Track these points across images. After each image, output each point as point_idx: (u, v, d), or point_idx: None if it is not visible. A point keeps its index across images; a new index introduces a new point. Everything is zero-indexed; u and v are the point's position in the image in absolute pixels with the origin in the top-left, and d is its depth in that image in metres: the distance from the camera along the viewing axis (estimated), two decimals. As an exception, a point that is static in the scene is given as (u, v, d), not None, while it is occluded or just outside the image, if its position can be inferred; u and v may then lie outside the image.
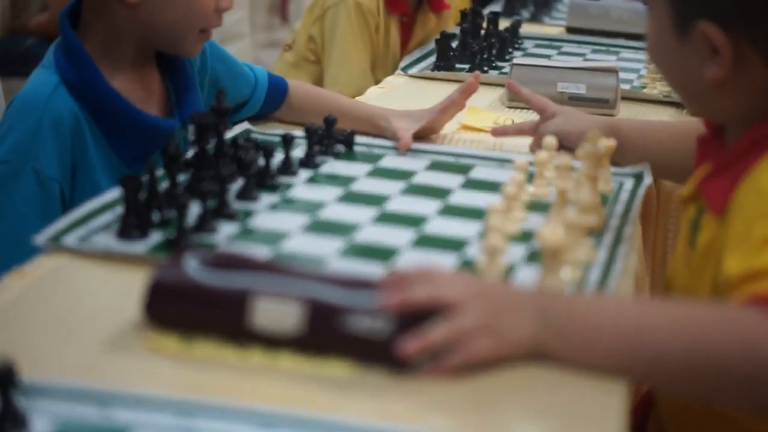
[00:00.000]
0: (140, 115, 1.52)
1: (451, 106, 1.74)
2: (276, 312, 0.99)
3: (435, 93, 2.02)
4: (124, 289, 1.13)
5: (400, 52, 2.66)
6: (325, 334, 0.98)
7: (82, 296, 1.12)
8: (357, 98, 1.98)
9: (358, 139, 1.67)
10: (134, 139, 1.51)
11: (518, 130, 1.72)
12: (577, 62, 2.22)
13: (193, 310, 1.02)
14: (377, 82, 2.43)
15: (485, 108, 2.01)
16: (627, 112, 2.03)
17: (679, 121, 1.66)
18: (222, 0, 1.57)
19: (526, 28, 2.75)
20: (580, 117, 1.65)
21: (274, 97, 1.81)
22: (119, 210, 1.27)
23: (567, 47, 2.59)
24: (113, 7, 1.51)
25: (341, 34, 2.57)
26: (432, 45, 2.40)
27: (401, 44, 2.67)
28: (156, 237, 1.25)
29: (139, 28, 1.53)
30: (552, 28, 2.91)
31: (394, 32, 2.64)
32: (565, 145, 1.54)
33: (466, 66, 2.30)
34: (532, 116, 1.88)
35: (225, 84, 1.70)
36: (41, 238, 1.21)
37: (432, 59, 2.35)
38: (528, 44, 2.59)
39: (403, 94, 2.09)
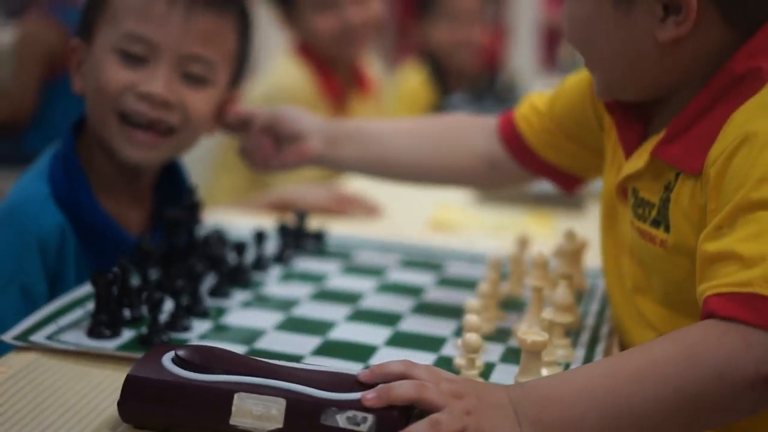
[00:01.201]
0: (121, 235, 1.42)
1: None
2: (258, 408, 0.97)
3: (404, 191, 2.02)
4: (96, 386, 1.10)
5: None
6: (307, 429, 0.96)
7: (51, 395, 1.08)
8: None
9: (330, 234, 1.66)
10: (111, 256, 1.38)
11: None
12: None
13: (172, 407, 0.99)
14: None
15: (457, 204, 2.01)
16: (597, 211, 2.03)
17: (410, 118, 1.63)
18: (143, 84, 1.38)
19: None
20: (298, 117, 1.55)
21: None
22: (90, 306, 1.24)
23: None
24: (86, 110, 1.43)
25: None
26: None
27: None
28: (127, 334, 1.22)
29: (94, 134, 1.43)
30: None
31: (327, 116, 2.70)
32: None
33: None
34: (506, 215, 1.89)
35: None
36: (9, 335, 1.19)
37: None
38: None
39: (372, 193, 2.08)
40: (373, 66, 3.14)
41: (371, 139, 1.52)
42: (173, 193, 1.53)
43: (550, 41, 5.40)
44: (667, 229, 1.14)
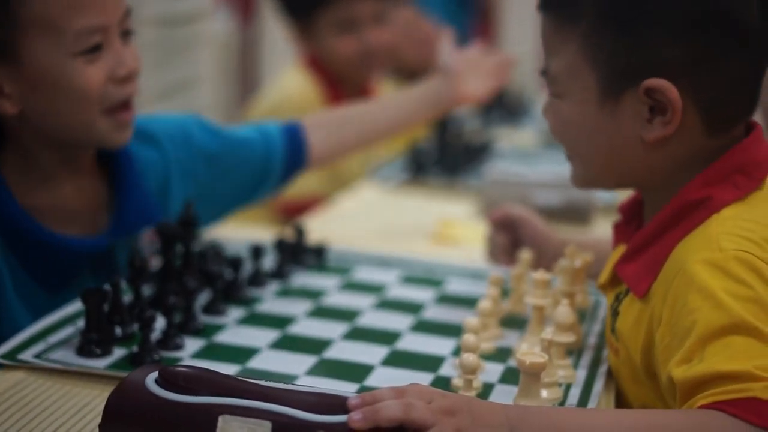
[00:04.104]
0: (54, 238, 1.33)
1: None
2: (242, 431, 0.94)
3: (408, 204, 2.00)
4: (84, 406, 1.08)
5: None
6: None
7: (38, 416, 1.06)
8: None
9: (330, 249, 1.63)
10: (53, 263, 1.33)
11: None
12: (552, 174, 2.20)
13: (153, 430, 0.96)
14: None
15: (460, 218, 1.99)
16: (603, 225, 2.00)
17: None
18: (118, 67, 1.32)
19: (501, 134, 2.77)
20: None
21: (295, 145, 1.65)
22: (80, 323, 1.22)
23: (542, 158, 2.59)
24: (10, 122, 1.33)
25: None
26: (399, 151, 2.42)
27: None
28: (118, 353, 1.20)
29: (39, 134, 1.33)
30: (527, 134, 2.91)
31: None
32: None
33: (440, 176, 2.29)
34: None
35: (225, 158, 1.57)
36: (-4, 354, 1.16)
37: (399, 164, 2.37)
38: (504, 154, 2.59)
39: (376, 206, 2.06)
40: (384, 86, 3.12)
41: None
42: (117, 171, 1.43)
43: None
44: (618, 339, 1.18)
